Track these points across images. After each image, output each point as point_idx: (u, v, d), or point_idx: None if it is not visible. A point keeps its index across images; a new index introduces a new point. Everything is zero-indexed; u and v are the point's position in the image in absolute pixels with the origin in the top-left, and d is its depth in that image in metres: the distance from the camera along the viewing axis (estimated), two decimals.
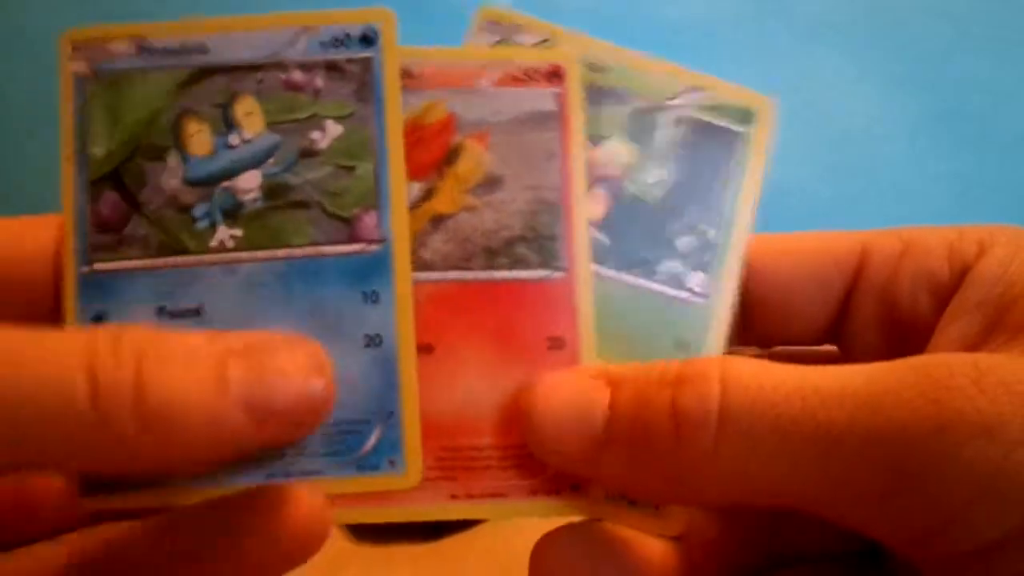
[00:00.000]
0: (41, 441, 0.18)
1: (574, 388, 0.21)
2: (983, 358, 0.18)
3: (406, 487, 0.22)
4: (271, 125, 0.23)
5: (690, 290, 0.24)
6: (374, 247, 0.23)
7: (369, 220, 0.23)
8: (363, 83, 0.23)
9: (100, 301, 0.22)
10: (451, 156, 0.23)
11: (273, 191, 0.23)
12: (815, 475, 0.18)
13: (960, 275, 0.22)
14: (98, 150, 0.22)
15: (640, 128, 0.24)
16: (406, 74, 0.23)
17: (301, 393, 0.20)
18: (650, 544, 0.23)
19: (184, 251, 0.22)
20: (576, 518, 0.23)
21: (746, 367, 0.19)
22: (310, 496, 0.21)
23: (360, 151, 0.23)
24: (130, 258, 0.22)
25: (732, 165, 0.24)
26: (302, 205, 0.23)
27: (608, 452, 0.20)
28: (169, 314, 0.22)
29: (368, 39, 0.23)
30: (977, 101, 0.56)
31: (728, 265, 0.24)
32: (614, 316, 0.24)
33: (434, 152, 0.23)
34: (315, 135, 0.23)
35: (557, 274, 0.23)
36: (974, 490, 0.17)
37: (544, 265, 0.23)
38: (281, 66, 0.23)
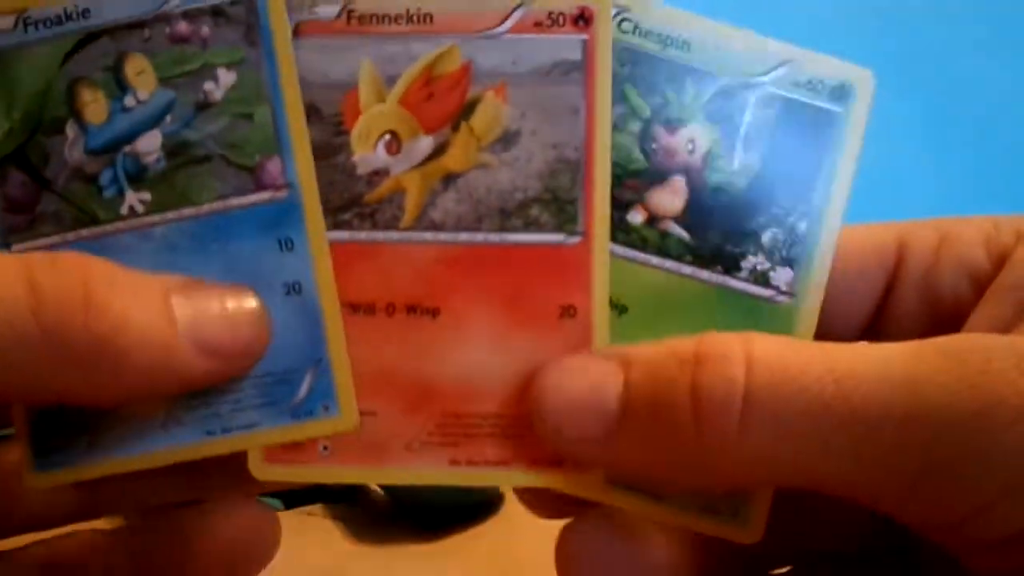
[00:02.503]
0: None
1: (586, 370, 0.19)
2: (1019, 343, 0.17)
3: (343, 430, 0.21)
4: (163, 81, 0.21)
5: (776, 288, 0.21)
6: (282, 193, 0.21)
7: (272, 167, 0.21)
8: (249, 25, 0.21)
9: None
10: (466, 110, 0.20)
11: (174, 149, 0.21)
12: (848, 458, 0.17)
13: (999, 263, 0.20)
14: None
15: (725, 110, 0.21)
16: (416, 18, 0.20)
17: (242, 325, 0.20)
18: (662, 537, 0.21)
19: (96, 221, 0.21)
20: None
21: (771, 345, 0.17)
22: (259, 511, 0.21)
23: (254, 97, 0.21)
24: (46, 235, 0.21)
25: (826, 148, 0.20)
26: (204, 160, 0.21)
27: (622, 436, 0.18)
28: None
29: None
30: (977, 101, 0.54)
31: (819, 260, 0.20)
32: (692, 315, 0.21)
33: (448, 105, 0.20)
34: (208, 86, 0.21)
35: (573, 239, 0.20)
36: (1014, 475, 0.16)
37: (560, 228, 0.20)
38: (165, 19, 0.21)
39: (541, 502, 0.22)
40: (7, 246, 0.21)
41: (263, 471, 0.21)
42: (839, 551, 0.23)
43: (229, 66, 0.21)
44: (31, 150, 0.21)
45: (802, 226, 0.21)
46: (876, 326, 0.22)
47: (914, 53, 0.54)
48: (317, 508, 0.38)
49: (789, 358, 0.17)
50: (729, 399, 0.17)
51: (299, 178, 0.21)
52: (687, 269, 0.21)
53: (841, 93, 0.21)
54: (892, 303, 0.22)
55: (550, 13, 0.20)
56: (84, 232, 0.21)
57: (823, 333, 0.22)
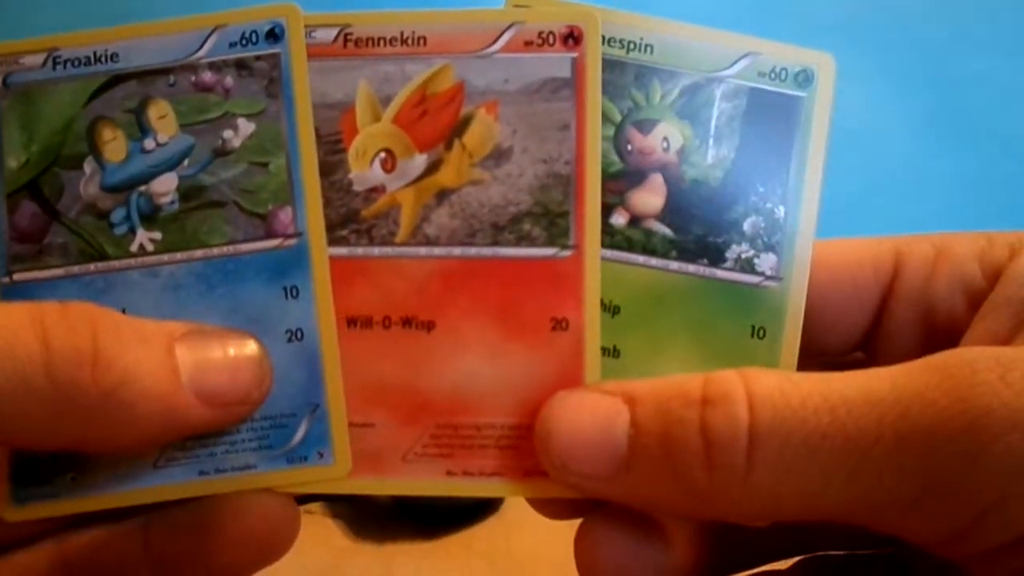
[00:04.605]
0: None
1: (594, 408, 0.19)
2: (1005, 353, 0.17)
3: (336, 478, 0.21)
4: (184, 127, 0.21)
5: (762, 274, 0.21)
6: (291, 241, 0.21)
7: (284, 215, 0.21)
8: (272, 79, 0.21)
9: None
10: (459, 127, 0.20)
11: (189, 193, 0.21)
12: (848, 487, 0.17)
13: (993, 278, 0.20)
14: (13, 162, 0.21)
15: (692, 106, 0.21)
16: (410, 39, 0.20)
17: (244, 372, 0.19)
18: (678, 530, 0.21)
19: (104, 257, 0.21)
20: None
21: (769, 381, 0.17)
22: (277, 501, 0.20)
23: (272, 147, 0.21)
24: (51, 267, 0.20)
25: (795, 134, 0.21)
26: (218, 204, 0.21)
27: (631, 473, 0.18)
28: None
29: (274, 35, 0.21)
30: (977, 100, 0.53)
31: (800, 243, 0.20)
32: (684, 310, 0.21)
33: (441, 123, 0.20)
34: (227, 134, 0.21)
35: (565, 252, 0.20)
36: (1007, 484, 0.16)
37: (552, 243, 0.20)
38: (191, 68, 0.21)
39: (550, 504, 0.21)
40: (10, 275, 0.20)
41: None
42: (839, 545, 0.22)
43: (249, 116, 0.21)
44: (45, 182, 0.21)
45: (781, 210, 0.21)
46: (871, 339, 0.22)
47: (918, 52, 0.53)
48: (316, 506, 0.37)
49: (787, 393, 0.17)
50: (736, 438, 0.17)
51: (308, 228, 0.21)
52: (674, 265, 0.21)
53: (804, 78, 0.21)
54: (887, 316, 0.22)
55: (540, 32, 0.20)
56: (91, 266, 0.21)
57: (819, 347, 0.22)
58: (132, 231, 0.21)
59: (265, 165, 0.21)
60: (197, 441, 0.20)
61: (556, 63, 0.20)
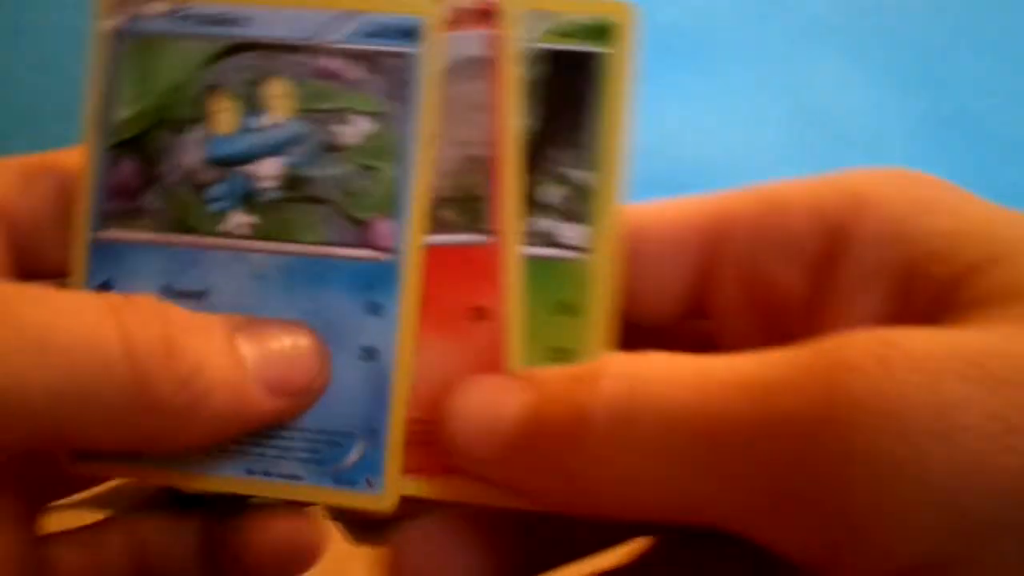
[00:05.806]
0: (77, 407, 0.16)
1: (486, 390, 0.18)
2: (898, 331, 0.13)
3: (380, 508, 0.20)
4: (299, 112, 0.20)
5: (565, 246, 0.19)
6: (384, 256, 0.20)
7: (383, 228, 0.20)
8: (399, 81, 0.19)
9: (108, 269, 0.20)
10: None
11: (292, 182, 0.20)
12: (705, 477, 0.14)
13: (832, 238, 0.17)
14: (123, 113, 0.20)
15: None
16: None
17: (303, 361, 0.19)
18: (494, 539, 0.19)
19: (194, 231, 0.20)
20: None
21: (657, 363, 0.16)
22: (306, 522, 0.20)
23: (384, 153, 0.19)
24: (142, 229, 0.20)
25: (593, 95, 0.19)
26: (318, 201, 0.20)
27: (517, 457, 0.17)
28: (175, 293, 0.20)
29: (410, 33, 0.20)
30: (977, 102, 0.52)
31: (607, 212, 0.19)
32: None
33: None
34: (342, 129, 0.20)
35: (483, 238, 0.19)
36: (876, 496, 0.12)
37: (470, 229, 0.19)
38: (317, 50, 0.20)
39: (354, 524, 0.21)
40: (99, 231, 0.20)
41: None
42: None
43: (368, 115, 0.19)
44: (150, 141, 0.20)
45: (582, 178, 0.19)
46: (705, 307, 0.20)
47: (918, 53, 0.52)
48: (316, 507, 0.37)
49: (664, 370, 0.15)
50: (593, 413, 0.15)
51: (406, 246, 0.19)
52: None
53: (600, 32, 0.19)
54: (714, 282, 0.19)
55: (454, 10, 0.19)
56: (181, 238, 0.20)
57: (646, 318, 0.20)
58: (228, 210, 0.20)
59: (374, 170, 0.19)
60: (252, 439, 0.19)
61: (470, 42, 0.19)
